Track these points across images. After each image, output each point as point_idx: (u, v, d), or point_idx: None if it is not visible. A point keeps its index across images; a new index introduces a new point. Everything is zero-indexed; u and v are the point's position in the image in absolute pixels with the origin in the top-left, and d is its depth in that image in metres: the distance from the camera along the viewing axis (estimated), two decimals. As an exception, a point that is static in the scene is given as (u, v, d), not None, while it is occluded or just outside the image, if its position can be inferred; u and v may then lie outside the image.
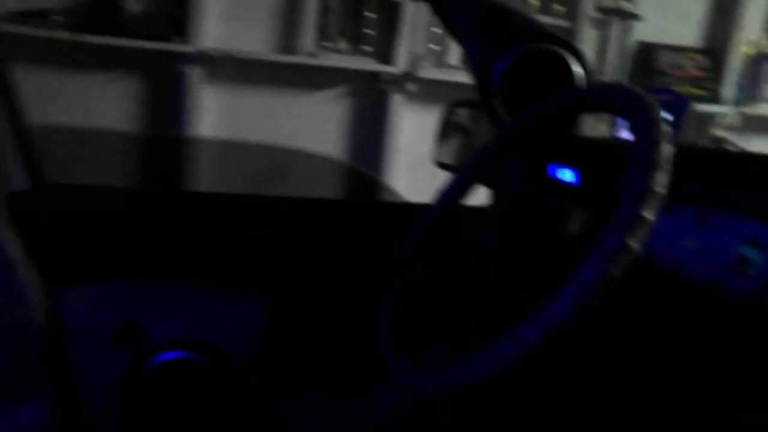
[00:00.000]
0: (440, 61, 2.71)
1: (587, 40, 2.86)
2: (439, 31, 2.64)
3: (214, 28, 2.41)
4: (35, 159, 1.10)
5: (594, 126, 1.01)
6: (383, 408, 0.94)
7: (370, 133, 2.69)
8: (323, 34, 2.55)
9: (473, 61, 0.93)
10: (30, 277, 0.99)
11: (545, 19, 2.71)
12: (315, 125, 2.61)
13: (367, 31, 2.59)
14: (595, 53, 2.93)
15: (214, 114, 2.47)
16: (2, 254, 0.95)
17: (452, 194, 0.80)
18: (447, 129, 1.17)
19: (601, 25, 2.93)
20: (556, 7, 2.81)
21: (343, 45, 2.58)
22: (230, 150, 2.47)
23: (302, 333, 1.12)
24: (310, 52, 2.52)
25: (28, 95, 1.11)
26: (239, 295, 1.07)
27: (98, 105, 2.34)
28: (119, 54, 2.29)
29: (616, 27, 2.93)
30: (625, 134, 0.83)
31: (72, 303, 1.02)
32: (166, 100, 2.41)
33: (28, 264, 0.99)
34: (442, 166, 1.14)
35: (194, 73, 2.39)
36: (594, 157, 0.80)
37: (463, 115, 1.16)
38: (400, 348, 0.67)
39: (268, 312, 1.08)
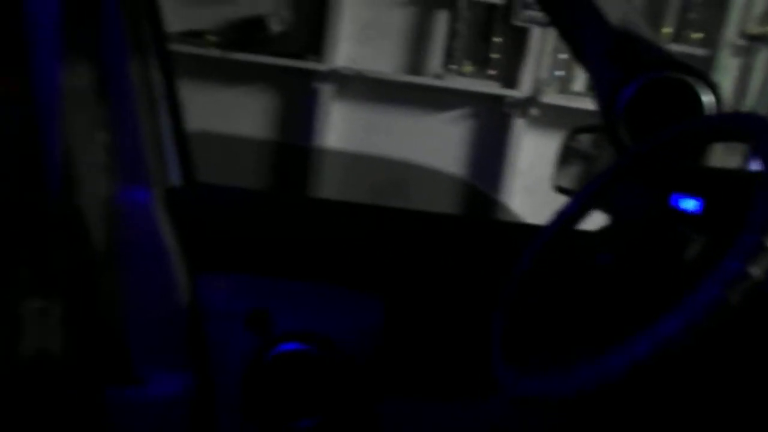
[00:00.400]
0: (564, 87, 2.69)
1: (728, 69, 2.71)
2: (564, 56, 2.62)
3: (347, 49, 2.55)
4: (189, 160, 1.24)
5: (725, 158, 0.98)
6: (487, 417, 0.96)
7: (490, 155, 2.72)
8: (450, 57, 2.62)
9: (599, 86, 0.94)
10: (179, 265, 1.11)
11: (680, 48, 2.61)
12: (437, 145, 2.68)
13: (493, 55, 2.63)
14: (736, 82, 2.77)
15: (342, 129, 2.61)
16: (160, 243, 1.09)
17: (569, 215, 0.82)
18: (568, 154, 1.17)
19: (744, 53, 2.77)
20: (694, 35, 2.70)
21: (469, 68, 2.63)
22: (356, 162, 2.59)
23: (413, 338, 1.17)
24: (436, 73, 2.60)
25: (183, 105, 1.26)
26: (358, 296, 1.14)
27: (239, 115, 2.56)
28: (260, 70, 2.49)
29: (763, 54, 2.75)
30: (758, 165, 0.81)
31: (211, 290, 1.14)
32: (298, 114, 2.59)
33: (179, 252, 1.12)
34: (562, 190, 1.15)
35: (326, 90, 2.54)
36: (721, 186, 0.79)
37: (584, 140, 1.16)
38: (510, 359, 0.70)
39: (383, 315, 1.14)
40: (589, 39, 0.96)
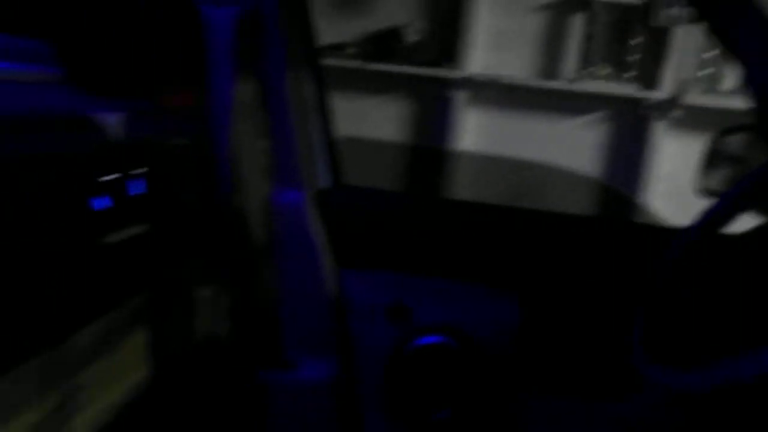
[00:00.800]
0: (710, 87, 2.54)
1: None
2: (710, 56, 2.48)
3: (481, 56, 2.58)
4: (337, 164, 1.34)
5: None
6: (624, 417, 0.95)
7: (627, 159, 2.63)
8: (585, 60, 2.57)
9: (754, 83, 0.90)
10: (327, 260, 1.21)
11: None
12: (572, 149, 2.63)
13: (630, 57, 2.55)
14: None
15: (476, 134, 2.65)
16: (311, 241, 1.19)
17: (715, 215, 0.80)
18: (714, 157, 1.13)
19: None
20: None
21: (605, 71, 2.57)
22: (494, 164, 2.62)
23: (549, 337, 1.18)
24: (571, 77, 2.56)
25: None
26: (495, 293, 1.18)
27: (380, 122, 2.68)
28: (398, 78, 2.59)
29: None
30: None
31: (355, 284, 1.23)
32: (434, 120, 2.66)
33: (327, 249, 1.22)
34: (707, 195, 1.11)
35: (460, 97, 2.59)
36: None
37: (733, 142, 1.11)
38: (654, 354, 0.70)
39: (519, 312, 1.16)
40: (743, 33, 0.92)
